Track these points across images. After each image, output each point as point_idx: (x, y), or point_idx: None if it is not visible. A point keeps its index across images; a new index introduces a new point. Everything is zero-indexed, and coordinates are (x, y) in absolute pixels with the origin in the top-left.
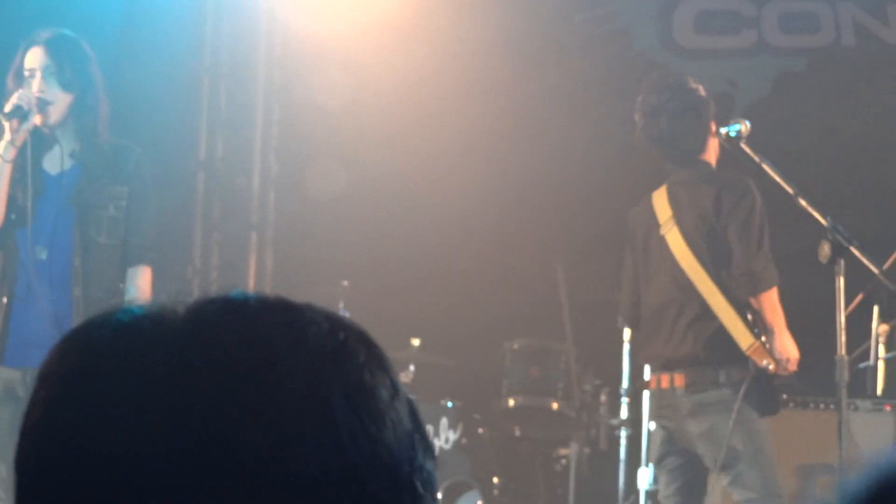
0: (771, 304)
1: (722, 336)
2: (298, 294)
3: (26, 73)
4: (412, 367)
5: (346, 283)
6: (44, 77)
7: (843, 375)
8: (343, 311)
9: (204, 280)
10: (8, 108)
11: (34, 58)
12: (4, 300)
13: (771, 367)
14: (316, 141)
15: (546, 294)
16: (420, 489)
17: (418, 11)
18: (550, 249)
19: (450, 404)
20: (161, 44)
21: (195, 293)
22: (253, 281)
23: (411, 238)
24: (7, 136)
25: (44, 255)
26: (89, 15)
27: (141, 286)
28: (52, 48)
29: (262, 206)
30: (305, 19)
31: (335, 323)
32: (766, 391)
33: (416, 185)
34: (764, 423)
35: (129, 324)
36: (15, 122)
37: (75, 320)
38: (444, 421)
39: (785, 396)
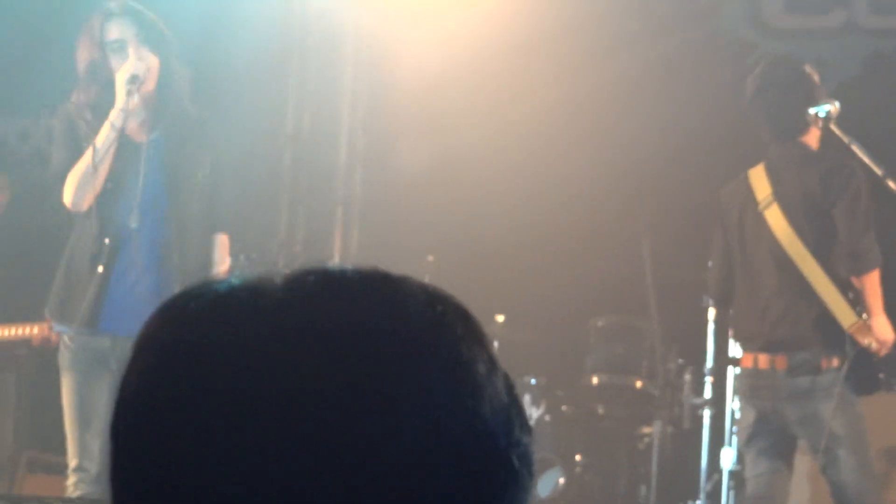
0: (873, 285)
1: (824, 318)
2: (384, 268)
3: (113, 45)
4: (496, 344)
5: (431, 258)
6: (137, 44)
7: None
8: None
9: (289, 253)
10: (125, 76)
11: (120, 28)
12: (101, 269)
13: (873, 345)
14: (403, 116)
15: (631, 271)
16: (516, 463)
17: None
18: (636, 226)
19: (533, 381)
20: (250, 18)
21: (280, 266)
22: (338, 255)
23: (497, 214)
24: (120, 104)
25: (136, 224)
26: None
27: (222, 254)
28: (135, 17)
29: (349, 181)
30: None
31: (433, 296)
32: (866, 371)
33: (502, 161)
34: (861, 406)
35: (226, 293)
36: (130, 91)
37: (173, 288)
38: (527, 398)
39: (882, 376)
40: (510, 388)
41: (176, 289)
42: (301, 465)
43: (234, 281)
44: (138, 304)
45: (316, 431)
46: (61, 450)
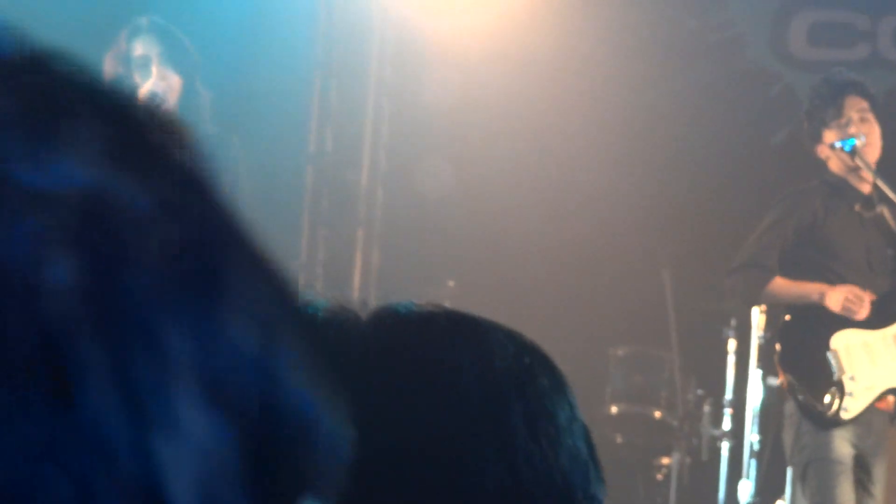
0: None
1: None
2: (404, 292)
3: (138, 61)
4: None
5: (451, 283)
6: (160, 63)
7: None
8: None
9: (310, 275)
10: (144, 94)
11: (145, 45)
12: None
13: None
14: (426, 139)
15: (652, 301)
16: None
17: (531, 14)
18: (658, 255)
19: None
20: (274, 38)
21: (302, 288)
22: (358, 278)
23: (519, 240)
24: None
25: None
26: (205, 7)
27: None
28: (161, 35)
29: (370, 203)
30: (418, 16)
31: (520, 346)
32: None
33: (525, 186)
34: None
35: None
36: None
37: None
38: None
39: None
40: (589, 440)
41: None
42: (382, 499)
43: (321, 314)
44: None
45: (396, 470)
46: None
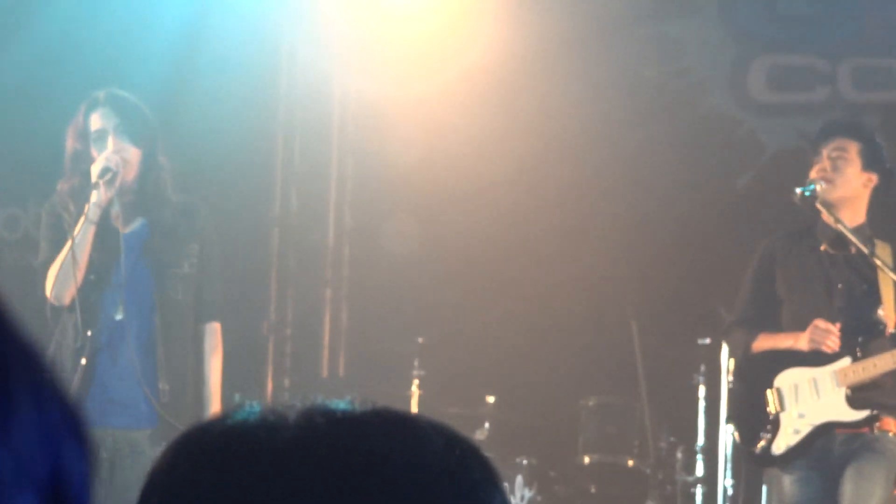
0: None
1: None
2: (375, 351)
3: (94, 135)
4: (487, 425)
5: (421, 339)
6: (116, 135)
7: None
8: (418, 369)
9: (279, 336)
10: (97, 169)
11: (102, 118)
12: (84, 362)
13: None
14: (390, 197)
15: (621, 351)
16: None
17: (490, 72)
18: (625, 307)
19: (525, 461)
20: (236, 100)
21: (270, 350)
22: (328, 338)
23: (486, 295)
24: (94, 197)
25: (121, 316)
26: (167, 73)
27: (214, 343)
28: (118, 107)
29: (337, 262)
30: (379, 77)
31: (451, 438)
32: None
33: (490, 242)
34: None
35: (240, 432)
36: (102, 184)
37: (160, 380)
38: (519, 479)
39: None
40: None
41: (162, 382)
42: None
43: (247, 417)
44: (124, 396)
45: None
46: None
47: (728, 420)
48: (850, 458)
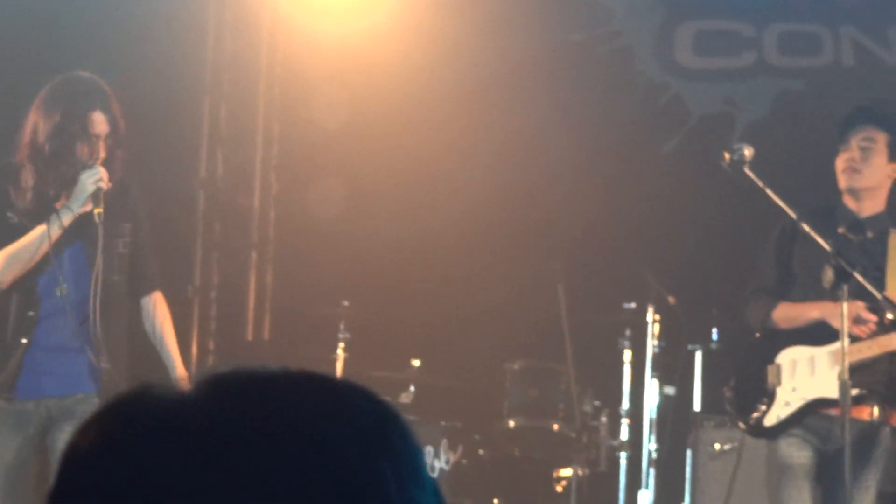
0: None
1: None
2: (300, 314)
3: (93, 137)
4: (412, 388)
5: (346, 303)
6: (105, 140)
7: (847, 399)
8: (343, 332)
9: (204, 299)
10: (92, 189)
11: (99, 124)
12: (25, 341)
13: None
14: (316, 160)
15: (546, 315)
16: None
17: (415, 31)
18: (551, 270)
19: (450, 425)
20: (162, 62)
21: (196, 313)
22: (253, 300)
23: (412, 258)
24: (75, 206)
25: (60, 295)
26: (91, 33)
27: (163, 311)
28: (110, 115)
29: (263, 225)
30: (305, 40)
31: (371, 400)
32: None
33: (416, 204)
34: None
35: (150, 403)
36: (91, 201)
37: (101, 356)
38: (444, 442)
39: None
40: (437, 488)
41: (102, 358)
42: None
43: (159, 390)
44: (62, 368)
45: None
46: None
47: (727, 390)
48: (854, 456)
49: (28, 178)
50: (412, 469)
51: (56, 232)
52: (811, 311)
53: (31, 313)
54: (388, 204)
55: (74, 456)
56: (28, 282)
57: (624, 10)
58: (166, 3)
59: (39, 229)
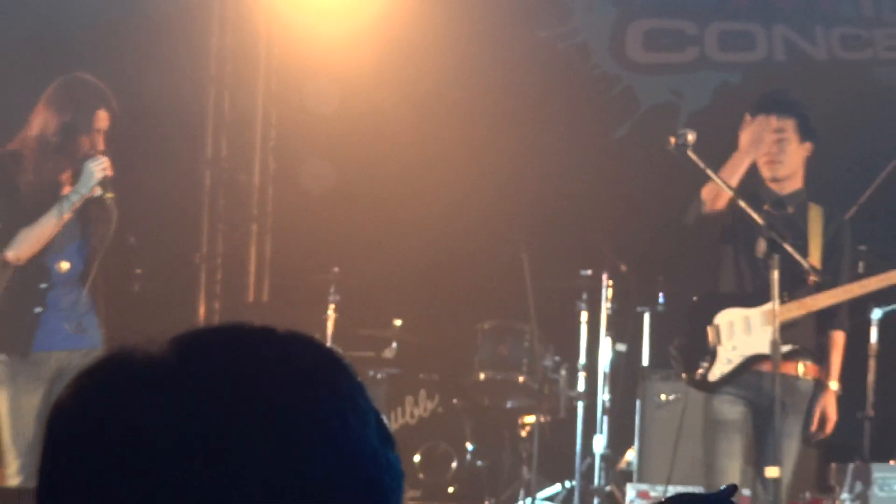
0: None
1: None
2: (295, 279)
3: (95, 130)
4: (394, 345)
5: (336, 269)
6: (104, 134)
7: (777, 356)
8: (333, 295)
9: (210, 265)
10: (99, 176)
11: (102, 120)
12: (39, 309)
13: None
14: (309, 143)
15: (513, 281)
16: (395, 470)
17: (398, 28)
18: (517, 241)
19: (428, 377)
20: (172, 56)
21: (202, 278)
22: (254, 267)
23: (394, 230)
24: (83, 189)
25: (66, 268)
26: (108, 31)
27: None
28: (112, 112)
29: (262, 201)
30: (299, 36)
31: (315, 341)
32: None
33: (398, 183)
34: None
35: (121, 364)
36: (98, 187)
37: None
38: (422, 392)
39: None
40: (380, 419)
41: (102, 323)
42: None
43: (130, 352)
44: (71, 328)
45: (238, 470)
46: None
47: (673, 348)
48: (781, 407)
49: (32, 166)
50: (352, 404)
51: (67, 214)
52: (742, 162)
53: (42, 285)
54: (373, 182)
55: (56, 410)
56: (40, 258)
57: (582, 10)
58: (175, 5)
59: (53, 212)
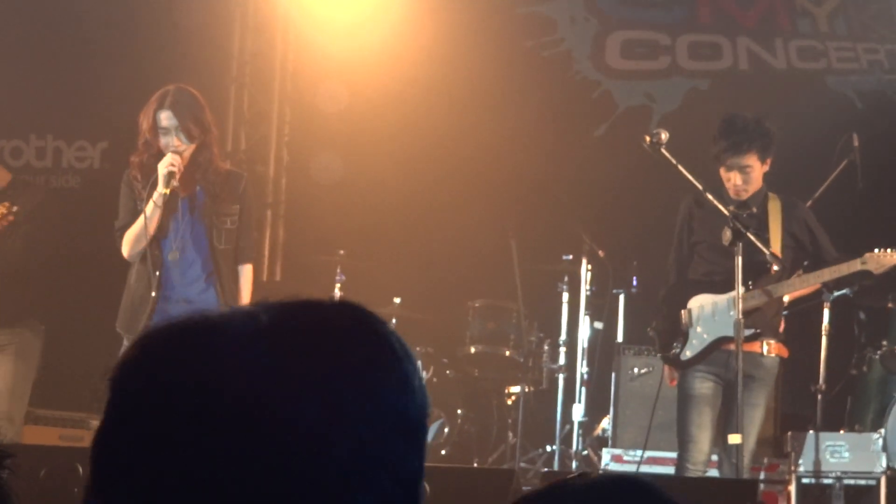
0: None
1: None
2: (305, 260)
3: (162, 130)
4: (394, 321)
5: (342, 252)
6: (177, 134)
7: (740, 336)
8: (340, 276)
9: None
10: (163, 171)
11: (167, 119)
12: (154, 294)
13: None
14: (319, 138)
15: (502, 264)
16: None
17: (400, 37)
18: (505, 229)
19: (423, 350)
20: (197, 58)
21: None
22: (268, 249)
23: (395, 217)
24: (161, 188)
25: (177, 258)
26: (139, 35)
27: (247, 279)
28: (180, 110)
29: (276, 189)
30: (311, 42)
31: (388, 332)
32: None
33: (398, 174)
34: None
35: (198, 322)
36: (166, 178)
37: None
38: (419, 363)
39: None
40: (422, 381)
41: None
42: (265, 465)
43: (223, 315)
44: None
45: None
46: (54, 405)
47: (650, 329)
48: (745, 381)
49: (138, 174)
50: (407, 385)
51: (156, 212)
52: None
53: (157, 273)
54: (376, 173)
55: (119, 367)
56: (154, 250)
57: (565, 22)
58: (201, 13)
59: (147, 211)
